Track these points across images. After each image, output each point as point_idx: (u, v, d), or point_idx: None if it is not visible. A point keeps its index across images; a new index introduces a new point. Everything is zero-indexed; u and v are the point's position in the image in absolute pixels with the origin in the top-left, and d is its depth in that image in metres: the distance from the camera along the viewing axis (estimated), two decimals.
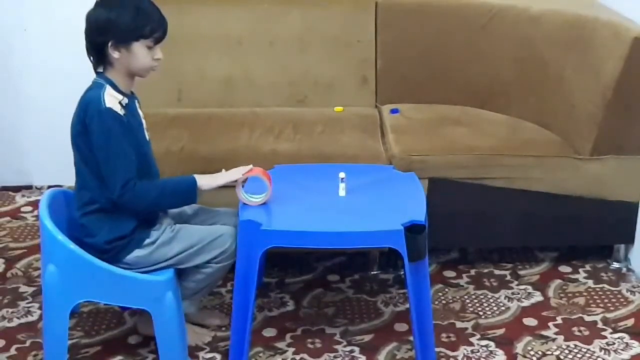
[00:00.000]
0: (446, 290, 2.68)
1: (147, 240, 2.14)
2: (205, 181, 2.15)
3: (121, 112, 2.06)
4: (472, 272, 2.80)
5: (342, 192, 2.28)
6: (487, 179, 2.67)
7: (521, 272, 2.79)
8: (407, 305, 2.52)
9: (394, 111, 3.03)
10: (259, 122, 2.90)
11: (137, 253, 2.13)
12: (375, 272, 2.79)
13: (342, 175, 2.27)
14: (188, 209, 2.31)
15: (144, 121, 2.21)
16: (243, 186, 2.21)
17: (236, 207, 2.22)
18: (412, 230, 2.07)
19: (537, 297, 2.63)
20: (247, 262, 2.14)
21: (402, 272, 2.77)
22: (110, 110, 2.03)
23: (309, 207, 2.21)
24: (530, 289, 2.69)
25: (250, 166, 2.24)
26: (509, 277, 2.76)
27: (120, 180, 2.03)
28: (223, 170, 2.24)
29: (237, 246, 2.16)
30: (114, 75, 2.09)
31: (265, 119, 2.95)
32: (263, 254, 2.18)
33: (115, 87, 2.09)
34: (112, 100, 2.05)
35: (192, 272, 2.21)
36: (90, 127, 2.03)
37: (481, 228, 2.74)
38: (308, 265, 2.84)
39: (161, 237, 2.15)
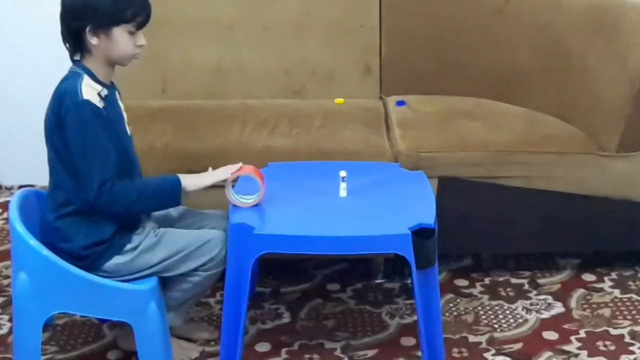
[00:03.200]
0: (458, 300, 2.69)
1: (129, 246, 2.14)
2: (190, 181, 2.15)
3: (100, 104, 2.05)
4: (487, 280, 2.81)
5: (343, 193, 2.28)
6: (502, 178, 2.68)
7: (540, 281, 2.80)
8: (415, 317, 2.51)
9: (400, 103, 3.04)
10: (251, 116, 2.90)
11: (117, 260, 2.13)
12: (379, 281, 2.80)
13: (343, 174, 2.28)
14: (173, 211, 2.32)
15: (125, 114, 2.21)
16: (233, 186, 2.21)
17: (226, 209, 2.22)
18: (420, 234, 2.08)
19: (558, 308, 2.64)
20: (238, 270, 2.14)
21: (409, 281, 2.77)
22: (87, 102, 2.02)
23: (307, 209, 2.22)
24: (550, 299, 2.69)
25: (241, 164, 2.22)
26: (527, 286, 2.77)
27: (96, 181, 2.03)
28: (210, 168, 2.24)
29: (227, 252, 2.16)
30: (92, 64, 2.09)
31: (258, 111, 2.95)
32: (256, 261, 2.18)
33: (93, 77, 2.08)
34: (90, 91, 2.05)
35: (178, 280, 2.21)
36: (66, 120, 2.02)
37: (496, 232, 2.75)
38: (305, 273, 2.84)
39: (144, 243, 2.15)
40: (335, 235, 2.11)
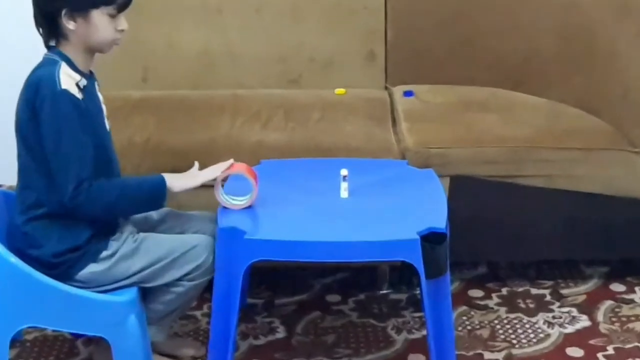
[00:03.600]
0: (472, 313, 2.68)
1: (105, 253, 2.14)
2: (177, 182, 2.16)
3: (79, 95, 2.05)
4: (504, 291, 2.81)
5: (344, 193, 2.29)
6: (521, 177, 2.69)
7: (564, 291, 2.80)
8: (424, 332, 2.53)
9: (407, 94, 3.05)
10: (242, 107, 2.90)
11: (93, 268, 2.13)
12: (384, 292, 2.80)
13: (344, 172, 2.29)
14: (154, 213, 2.32)
15: (104, 107, 2.21)
16: (223, 186, 2.21)
17: (214, 210, 2.23)
18: (430, 240, 2.08)
19: (584, 321, 2.64)
20: (227, 279, 2.14)
21: (417, 292, 2.77)
22: (66, 92, 2.01)
23: (304, 211, 2.22)
24: (575, 311, 2.69)
25: (231, 161, 2.22)
26: (549, 298, 2.77)
27: (72, 180, 2.02)
28: (196, 164, 2.24)
29: (215, 259, 2.16)
30: (70, 51, 2.08)
31: (250, 103, 2.95)
32: (247, 269, 2.19)
33: (71, 65, 2.07)
34: (68, 80, 2.04)
35: (160, 291, 2.22)
36: (41, 112, 2.02)
37: (514, 237, 2.75)
38: (303, 283, 2.84)
39: (122, 249, 2.15)
40: (335, 241, 2.12)
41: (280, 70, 3.13)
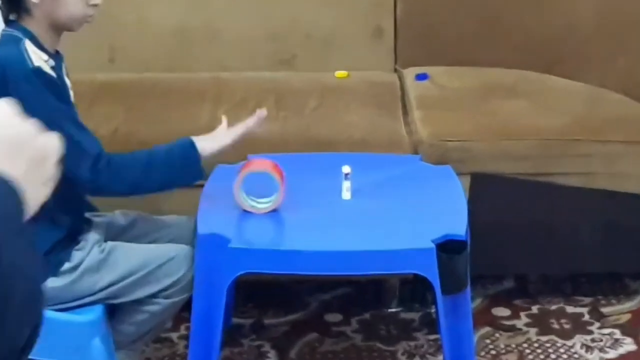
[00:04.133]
0: (497, 335, 2.69)
1: (67, 265, 2.15)
2: (207, 144, 2.19)
3: (53, 74, 2.06)
4: (534, 309, 2.82)
5: (345, 194, 2.29)
6: (555, 175, 2.70)
7: (605, 310, 2.81)
8: (440, 358, 2.53)
9: (421, 77, 3.06)
10: (226, 93, 2.92)
11: (53, 283, 2.12)
12: (393, 310, 2.81)
13: (346, 169, 2.29)
14: (121, 217, 2.34)
15: (71, 93, 2.22)
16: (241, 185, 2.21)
17: (193, 213, 2.24)
18: (447, 249, 2.08)
19: (628, 345, 2.64)
20: (208, 296, 2.15)
21: (432, 310, 2.78)
22: (39, 70, 2.02)
23: (298, 215, 2.23)
24: (617, 333, 2.70)
25: (264, 111, 2.23)
26: (587, 317, 2.78)
27: (86, 160, 2.04)
28: (224, 120, 2.25)
29: (195, 272, 2.17)
30: (34, 27, 2.08)
31: (235, 88, 2.97)
32: (232, 284, 2.20)
33: (36, 43, 2.07)
34: (37, 58, 2.04)
35: (131, 310, 2.22)
36: (16, 95, 1.99)
37: (547, 246, 2.76)
38: (297, 299, 2.85)
39: (87, 260, 2.16)
40: (335, 250, 2.13)
41: (271, 50, 3.14)
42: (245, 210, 2.21)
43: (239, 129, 2.24)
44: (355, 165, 2.31)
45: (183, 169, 2.19)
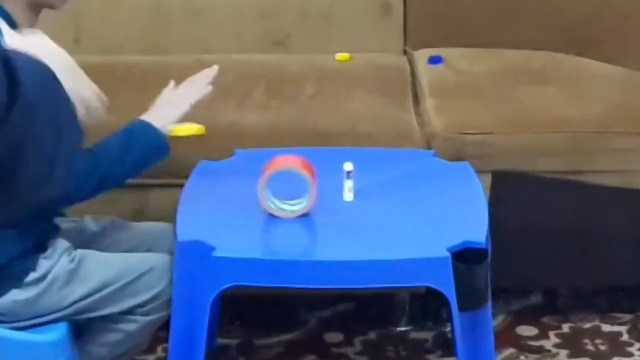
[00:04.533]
0: (522, 358, 2.69)
1: (33, 275, 2.13)
2: (158, 121, 2.24)
3: None
4: (565, 328, 2.82)
5: (348, 195, 2.29)
6: (589, 172, 2.70)
7: None
8: None
9: (434, 60, 3.06)
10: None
11: (16, 296, 2.12)
12: (403, 329, 2.82)
13: (348, 167, 2.28)
14: (93, 223, 2.35)
15: None
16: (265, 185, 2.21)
17: (171, 218, 2.24)
18: (465, 258, 2.08)
19: None
20: (189, 313, 2.15)
21: (447, 329, 2.78)
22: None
23: (293, 219, 2.22)
24: None
25: (215, 68, 2.29)
26: (626, 337, 2.78)
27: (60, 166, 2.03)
28: (171, 83, 2.30)
29: (174, 286, 2.17)
30: (8, 3, 2.10)
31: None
32: (217, 299, 2.19)
33: (10, 22, 2.07)
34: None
35: (102, 328, 2.22)
36: None
37: (580, 255, 2.76)
38: (293, 316, 2.86)
39: (55, 270, 2.15)
40: (336, 260, 2.11)
41: (261, 29, 3.15)
42: (229, 215, 2.21)
43: (194, 90, 2.28)
44: (359, 161, 2.31)
45: (151, 147, 2.23)
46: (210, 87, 2.30)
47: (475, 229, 2.16)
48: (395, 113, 2.80)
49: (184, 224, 2.19)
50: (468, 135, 2.68)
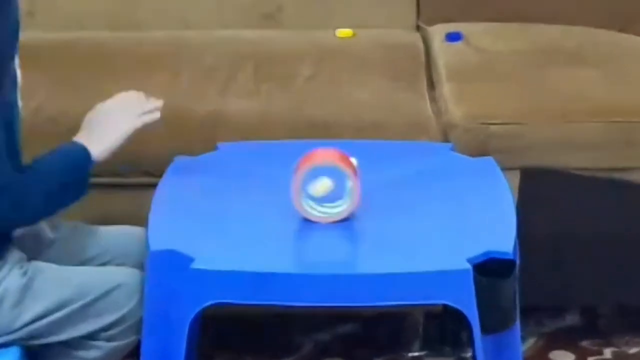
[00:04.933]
0: None
1: None
2: (95, 146, 2.22)
3: None
4: (607, 353, 2.82)
5: None
6: (634, 169, 2.71)
7: None
8: None
9: (452, 37, 3.07)
10: (188, 59, 2.93)
11: None
12: (416, 354, 2.82)
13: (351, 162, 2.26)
14: (49, 230, 2.35)
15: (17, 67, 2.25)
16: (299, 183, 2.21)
17: (142, 222, 2.25)
18: (489, 271, 2.07)
19: None
20: (164, 337, 2.14)
21: (469, 354, 2.79)
22: None
23: (286, 225, 2.23)
24: None
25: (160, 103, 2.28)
26: None
27: None
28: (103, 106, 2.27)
29: (144, 304, 2.17)
30: None
31: (200, 52, 2.98)
32: (196, 319, 2.18)
33: None
34: None
35: (60, 355, 2.24)
36: None
37: (624, 267, 2.76)
38: (286, 340, 2.86)
39: (4, 286, 2.15)
40: (336, 274, 2.11)
41: (248, 0, 3.15)
42: (210, 220, 2.20)
43: (131, 119, 2.26)
44: (364, 157, 2.30)
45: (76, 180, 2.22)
46: (157, 115, 2.30)
47: (500, 236, 2.16)
48: (406, 100, 2.81)
49: (157, 230, 2.19)
50: (492, 126, 2.69)
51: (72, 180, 2.20)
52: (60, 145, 2.23)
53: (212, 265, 2.09)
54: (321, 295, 2.12)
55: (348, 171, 2.19)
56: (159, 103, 2.32)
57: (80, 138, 2.23)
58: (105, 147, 2.23)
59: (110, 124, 2.25)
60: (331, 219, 2.19)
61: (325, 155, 2.22)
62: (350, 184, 2.19)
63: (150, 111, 2.29)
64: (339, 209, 2.20)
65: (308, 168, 2.18)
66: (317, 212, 2.20)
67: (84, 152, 2.20)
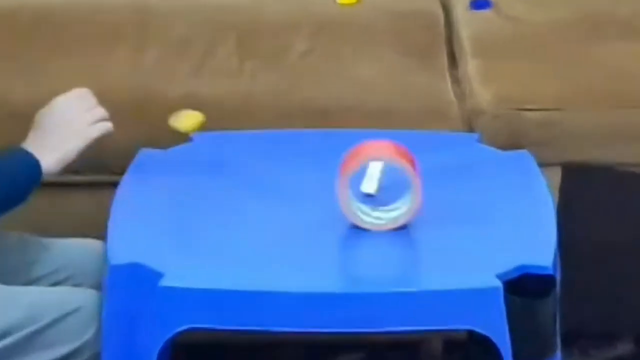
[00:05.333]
0: None
1: None
2: (49, 156, 2.23)
3: None
4: None
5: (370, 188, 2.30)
6: None
7: None
8: None
9: (479, 4, 3.09)
10: (155, 31, 2.95)
11: None
12: None
13: (374, 168, 2.32)
14: None
15: None
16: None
17: (101, 229, 2.24)
18: (523, 290, 2.08)
19: None
20: None
21: None
22: None
23: (277, 233, 2.23)
24: None
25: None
26: None
27: None
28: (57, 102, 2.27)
29: (103, 329, 2.17)
30: None
31: (171, 21, 2.99)
32: (166, 347, 2.17)
33: None
34: None
35: None
36: None
37: None
38: None
39: None
40: (339, 293, 2.11)
41: None
42: (182, 227, 2.21)
43: (86, 129, 2.28)
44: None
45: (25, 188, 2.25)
46: (110, 126, 2.31)
47: (537, 247, 2.16)
48: (422, 80, 2.83)
49: (119, 240, 2.20)
50: (528, 112, 2.72)
51: (14, 194, 2.23)
52: (7, 152, 2.24)
53: (185, 282, 2.08)
54: (320, 320, 2.11)
55: (406, 166, 2.17)
56: (104, 111, 2.32)
57: (33, 143, 2.24)
58: (59, 158, 2.24)
59: (66, 129, 2.25)
60: (387, 227, 2.19)
61: (376, 149, 2.21)
62: (414, 183, 2.17)
63: (103, 119, 2.30)
64: (396, 214, 2.20)
65: (356, 167, 2.18)
66: (372, 219, 2.20)
67: (34, 166, 2.22)
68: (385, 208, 2.21)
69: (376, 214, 2.20)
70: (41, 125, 2.26)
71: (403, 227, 2.23)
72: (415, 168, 2.18)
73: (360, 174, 2.25)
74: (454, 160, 2.45)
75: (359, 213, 2.19)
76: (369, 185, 2.24)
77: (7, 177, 2.22)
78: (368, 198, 2.23)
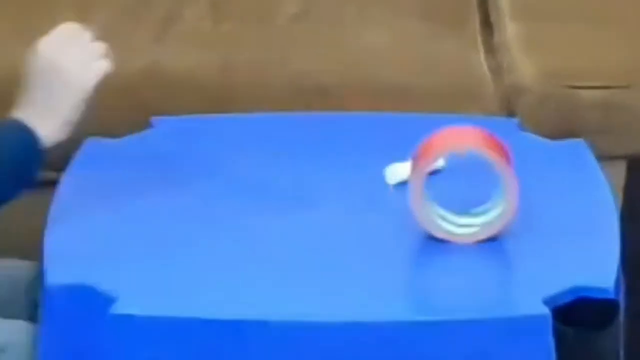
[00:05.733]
0: None
1: None
2: (50, 124, 2.25)
3: None
4: None
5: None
6: None
7: None
8: None
9: None
10: None
11: None
12: None
13: (439, 163, 2.33)
14: None
15: None
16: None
17: (35, 241, 2.23)
18: (577, 318, 2.06)
19: None
20: None
21: None
22: None
23: (257, 245, 2.24)
24: None
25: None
26: None
27: None
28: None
29: None
30: None
31: None
32: None
33: None
34: None
35: None
36: None
37: None
38: None
39: None
40: (344, 322, 2.09)
41: None
42: (139, 238, 2.21)
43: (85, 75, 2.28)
44: (389, 141, 2.39)
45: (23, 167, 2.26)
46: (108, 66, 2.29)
47: (595, 264, 2.16)
48: (448, 49, 2.88)
49: (58, 254, 2.20)
50: (584, 91, 2.73)
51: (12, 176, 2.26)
52: None
53: (142, 309, 2.07)
54: (320, 354, 2.10)
55: (499, 160, 2.18)
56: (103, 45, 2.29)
57: (26, 110, 2.25)
58: (60, 122, 2.25)
59: (64, 84, 2.25)
60: (473, 239, 2.19)
61: (456, 136, 2.22)
62: (508, 183, 2.16)
63: (100, 57, 2.29)
64: (487, 219, 2.20)
65: (433, 160, 2.20)
66: (455, 228, 2.20)
67: (28, 139, 2.24)
68: (470, 212, 2.21)
69: (464, 220, 2.20)
70: (31, 80, 2.24)
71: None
72: (507, 159, 2.17)
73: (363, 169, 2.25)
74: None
75: (441, 221, 2.20)
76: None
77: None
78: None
